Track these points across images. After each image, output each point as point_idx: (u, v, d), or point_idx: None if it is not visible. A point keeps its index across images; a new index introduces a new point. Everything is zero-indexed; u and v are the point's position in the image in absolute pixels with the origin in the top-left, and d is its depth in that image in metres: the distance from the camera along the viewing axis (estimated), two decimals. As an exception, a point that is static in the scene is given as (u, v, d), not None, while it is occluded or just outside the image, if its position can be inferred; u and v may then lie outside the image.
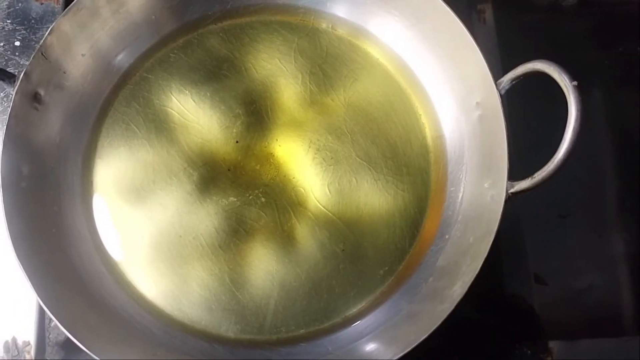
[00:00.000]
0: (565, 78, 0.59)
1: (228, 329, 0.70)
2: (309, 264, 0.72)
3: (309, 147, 0.76)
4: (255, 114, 0.77)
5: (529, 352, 0.74)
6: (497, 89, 0.66)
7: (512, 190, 0.62)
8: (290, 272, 0.72)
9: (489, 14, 0.88)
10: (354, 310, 0.70)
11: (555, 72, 0.59)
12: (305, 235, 0.73)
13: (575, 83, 0.58)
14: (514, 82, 0.65)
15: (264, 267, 0.72)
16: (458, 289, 0.62)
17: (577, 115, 0.58)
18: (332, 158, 0.76)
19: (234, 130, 0.77)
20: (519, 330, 0.75)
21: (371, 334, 0.68)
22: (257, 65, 0.80)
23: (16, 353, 0.72)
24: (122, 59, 0.78)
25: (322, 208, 0.74)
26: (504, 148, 0.64)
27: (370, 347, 0.66)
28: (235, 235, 0.73)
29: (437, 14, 0.72)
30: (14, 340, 0.72)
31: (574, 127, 0.58)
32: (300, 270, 0.72)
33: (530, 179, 0.61)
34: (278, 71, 0.79)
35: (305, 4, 0.81)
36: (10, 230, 0.63)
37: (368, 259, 0.72)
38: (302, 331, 0.70)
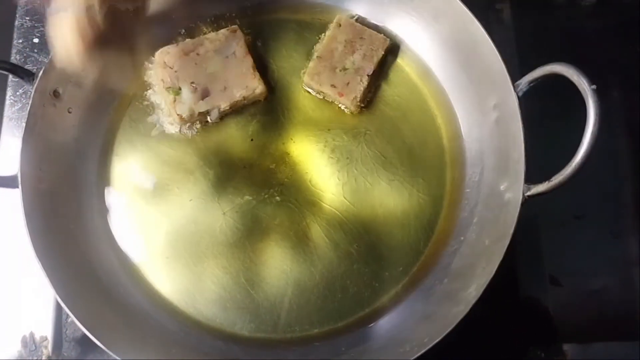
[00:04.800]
0: (584, 81, 0.58)
1: (243, 327, 0.70)
2: (323, 264, 0.72)
3: (325, 146, 0.76)
4: (271, 112, 0.78)
5: (543, 354, 0.74)
6: (515, 90, 0.65)
7: (528, 193, 0.62)
8: (305, 272, 0.72)
9: (506, 13, 0.87)
10: (367, 310, 0.71)
11: (574, 75, 0.59)
12: (319, 234, 0.73)
13: (594, 87, 0.58)
14: (531, 84, 0.65)
15: (278, 265, 0.72)
16: (473, 291, 0.62)
17: (595, 120, 0.58)
18: (347, 158, 0.75)
19: (250, 129, 0.77)
20: (533, 332, 0.75)
21: (385, 334, 0.68)
22: (274, 63, 0.80)
23: (34, 348, 0.73)
24: (140, 56, 0.78)
25: (337, 208, 0.74)
26: (521, 150, 0.64)
27: (384, 347, 0.66)
28: (250, 233, 0.73)
29: (455, 15, 0.72)
30: (32, 335, 0.73)
31: (592, 132, 0.58)
32: (315, 269, 0.72)
33: (547, 182, 0.61)
34: (294, 70, 0.79)
35: (323, 2, 0.81)
36: (29, 227, 0.64)
37: (382, 259, 0.72)
38: (316, 330, 0.70)
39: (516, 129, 0.65)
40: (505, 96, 0.67)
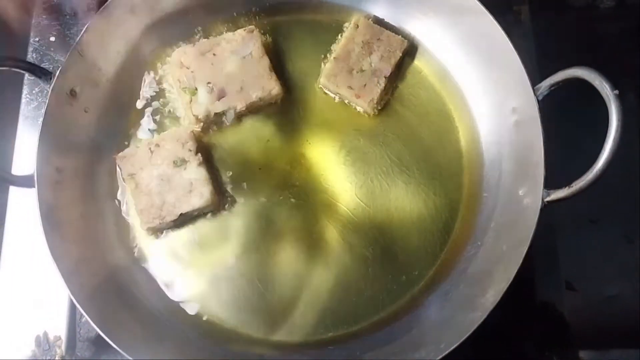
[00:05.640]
0: (607, 86, 0.58)
1: (257, 330, 0.70)
2: (338, 267, 0.71)
3: (340, 148, 0.76)
4: (287, 113, 0.77)
5: (559, 361, 0.73)
6: (535, 94, 0.65)
7: (548, 199, 0.62)
8: (319, 275, 0.71)
9: (525, 15, 0.87)
10: (382, 314, 0.70)
11: (597, 80, 0.58)
12: (334, 237, 0.72)
13: (616, 92, 0.57)
14: (552, 88, 0.64)
15: (293, 268, 0.72)
16: (490, 297, 0.62)
17: (617, 125, 0.57)
18: (363, 160, 0.75)
19: (266, 130, 0.76)
20: (549, 338, 0.74)
21: (400, 339, 0.67)
22: (290, 64, 0.79)
23: (47, 347, 0.73)
24: (156, 56, 0.79)
25: (352, 211, 0.73)
26: (540, 155, 0.64)
27: (399, 352, 0.66)
28: (265, 235, 0.73)
29: (473, 16, 0.71)
30: (45, 334, 0.73)
31: (614, 138, 0.57)
32: (330, 272, 0.71)
33: (567, 188, 0.60)
34: (311, 71, 0.79)
35: (341, 3, 0.81)
36: (44, 226, 0.64)
37: (398, 263, 0.71)
38: (330, 334, 0.70)
39: (536, 133, 0.64)
40: (524, 99, 0.66)
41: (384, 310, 0.70)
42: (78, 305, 0.62)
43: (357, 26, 0.77)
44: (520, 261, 0.61)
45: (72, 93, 0.70)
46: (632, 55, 0.88)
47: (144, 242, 0.73)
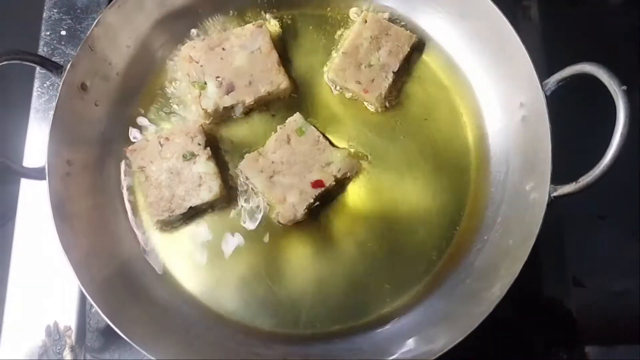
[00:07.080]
0: (614, 82, 0.58)
1: (263, 322, 0.70)
2: (344, 261, 0.72)
3: (348, 143, 0.76)
4: (295, 107, 0.77)
5: (565, 357, 0.73)
6: (543, 89, 0.64)
7: (554, 194, 0.62)
8: (326, 268, 0.72)
9: (534, 10, 0.87)
10: (389, 308, 0.70)
11: (605, 76, 0.58)
12: (342, 231, 0.73)
13: (624, 88, 0.57)
14: (560, 84, 0.64)
15: (300, 262, 0.72)
16: (496, 291, 0.62)
17: (625, 121, 0.57)
18: (371, 155, 0.75)
19: (274, 124, 0.76)
20: (555, 334, 0.74)
21: (407, 333, 0.68)
22: (298, 59, 0.79)
23: (57, 337, 0.74)
24: (165, 50, 0.79)
25: (361, 205, 0.74)
26: (547, 151, 0.64)
27: (405, 346, 0.66)
28: (273, 229, 0.73)
29: (482, 11, 0.71)
30: (56, 324, 0.74)
31: (621, 133, 0.57)
32: (336, 266, 0.72)
33: (574, 183, 0.60)
34: (318, 65, 0.79)
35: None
36: (55, 218, 0.64)
37: (405, 257, 0.72)
38: (337, 327, 0.70)
39: (543, 128, 0.64)
40: (532, 95, 0.66)
41: (390, 305, 0.71)
42: (88, 296, 0.63)
43: (366, 21, 0.77)
44: (527, 256, 0.61)
45: (83, 87, 0.71)
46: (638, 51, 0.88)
47: (153, 235, 0.74)
